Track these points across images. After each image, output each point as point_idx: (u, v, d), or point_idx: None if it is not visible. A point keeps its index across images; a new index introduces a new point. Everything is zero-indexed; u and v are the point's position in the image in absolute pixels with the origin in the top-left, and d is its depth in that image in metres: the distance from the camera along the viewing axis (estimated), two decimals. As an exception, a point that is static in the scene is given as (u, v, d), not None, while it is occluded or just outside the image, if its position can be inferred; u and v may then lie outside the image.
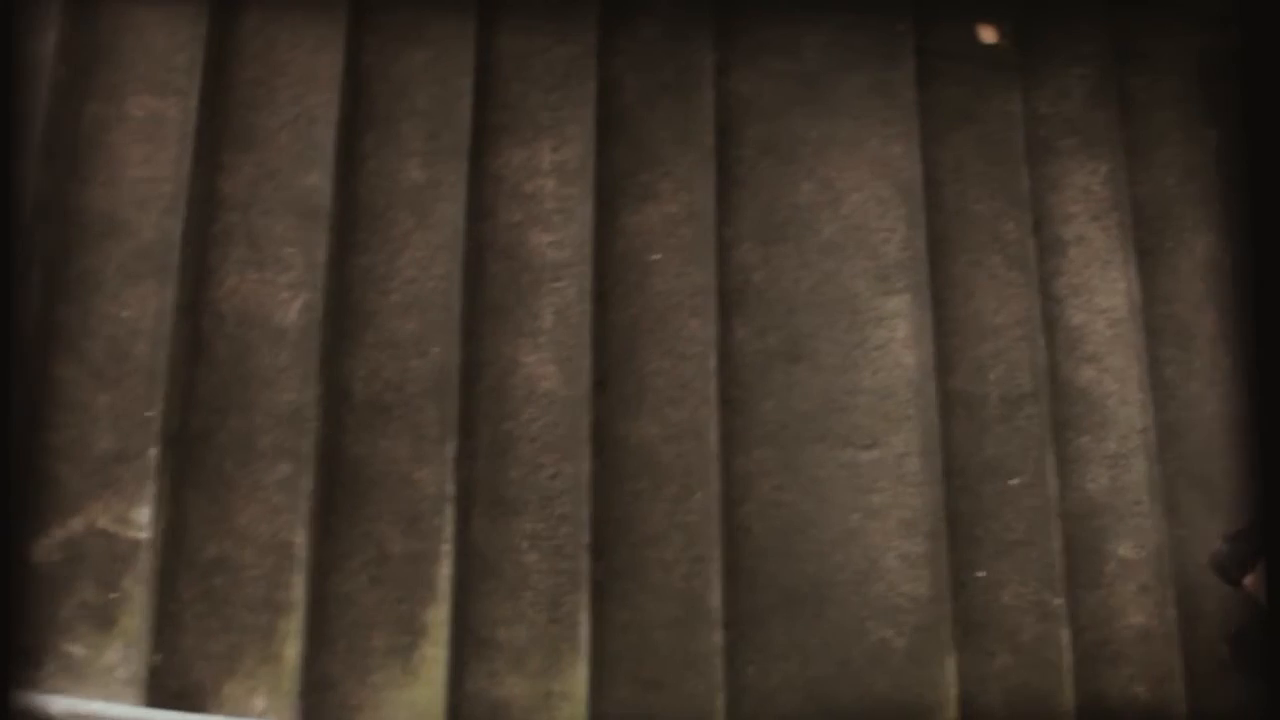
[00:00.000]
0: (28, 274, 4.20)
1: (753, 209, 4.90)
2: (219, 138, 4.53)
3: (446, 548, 4.39)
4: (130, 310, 4.32)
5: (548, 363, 4.58)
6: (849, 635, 4.61)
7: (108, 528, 4.21)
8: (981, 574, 4.71)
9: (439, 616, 4.35)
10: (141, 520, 4.21)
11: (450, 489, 4.43)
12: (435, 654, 4.33)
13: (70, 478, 4.23)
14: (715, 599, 4.56)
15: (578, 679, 4.41)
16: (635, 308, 4.74)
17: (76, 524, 4.21)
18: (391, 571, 4.38)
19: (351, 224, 4.58)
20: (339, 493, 4.40)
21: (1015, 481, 4.78)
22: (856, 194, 4.91)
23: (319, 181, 4.52)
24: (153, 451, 4.25)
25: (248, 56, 4.62)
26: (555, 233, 4.70)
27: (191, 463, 4.33)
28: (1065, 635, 4.63)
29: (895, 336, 4.81)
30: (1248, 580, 3.84)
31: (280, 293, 4.44)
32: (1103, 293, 5.03)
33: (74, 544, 4.20)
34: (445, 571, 4.38)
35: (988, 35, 5.14)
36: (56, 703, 3.94)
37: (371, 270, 4.57)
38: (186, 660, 4.21)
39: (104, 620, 4.17)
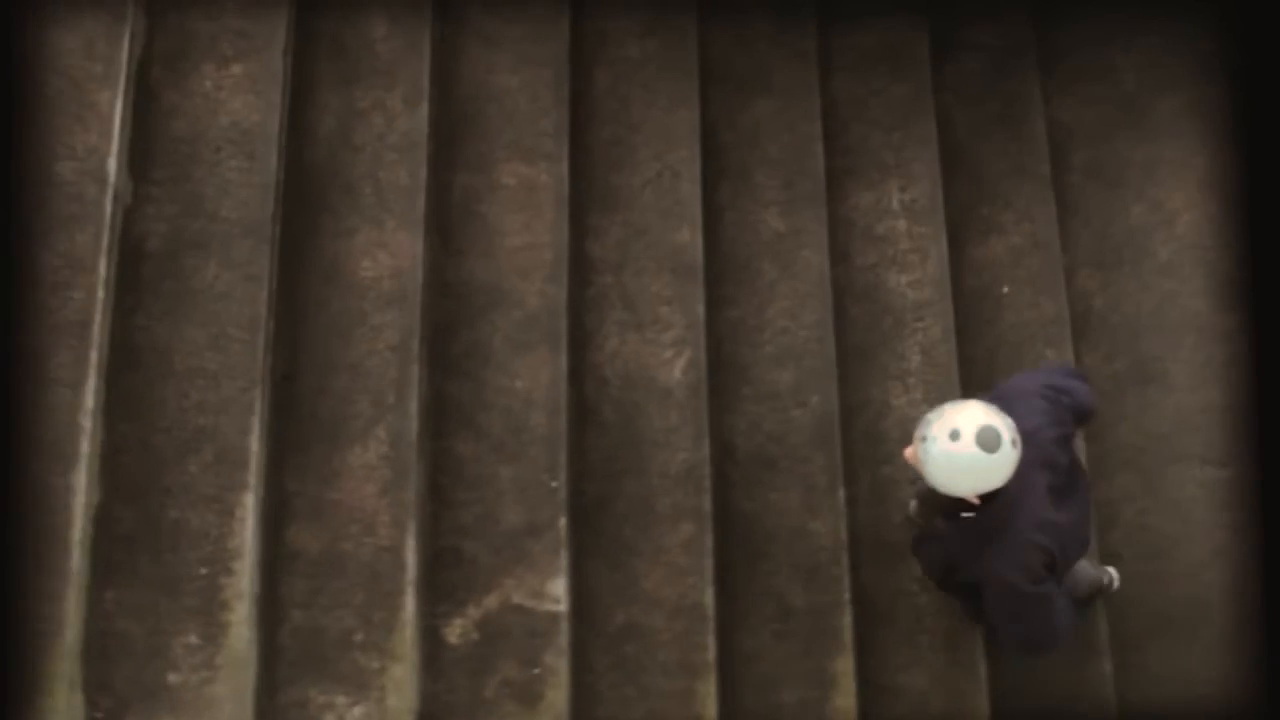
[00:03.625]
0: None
1: (1087, 235, 4.49)
2: (584, 200, 4.10)
3: (847, 597, 3.99)
4: (523, 380, 3.90)
5: (919, 403, 4.17)
6: (1224, 654, 4.21)
7: (524, 603, 3.80)
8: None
9: (846, 667, 3.96)
10: (556, 592, 3.79)
11: (844, 537, 4.02)
12: (845, 705, 3.94)
13: (481, 555, 3.81)
14: (1098, 627, 4.17)
15: (980, 718, 4.02)
16: (990, 341, 4.34)
17: (492, 601, 3.80)
18: (796, 625, 3.98)
19: (717, 277, 4.15)
20: (736, 550, 4.00)
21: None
22: (1188, 213, 4.50)
23: (688, 237, 4.09)
24: (561, 522, 3.83)
25: (604, 117, 4.18)
26: (912, 273, 4.29)
27: (591, 530, 3.92)
28: None
29: (1241, 352, 4.40)
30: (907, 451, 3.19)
31: (663, 351, 4.02)
32: None
33: (491, 622, 3.79)
34: (847, 621, 3.98)
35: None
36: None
37: (742, 323, 4.15)
38: (604, 730, 3.81)
39: (529, 697, 3.76)
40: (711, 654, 3.86)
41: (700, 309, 4.04)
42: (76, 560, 3.50)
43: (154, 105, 3.86)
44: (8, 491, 3.48)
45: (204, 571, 3.61)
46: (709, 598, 3.89)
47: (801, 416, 4.08)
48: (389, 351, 3.82)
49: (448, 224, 3.97)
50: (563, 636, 3.78)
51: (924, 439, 3.08)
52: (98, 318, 3.61)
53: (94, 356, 3.58)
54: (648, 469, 3.96)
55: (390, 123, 3.93)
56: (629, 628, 3.87)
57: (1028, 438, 3.14)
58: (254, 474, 3.65)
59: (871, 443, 4.16)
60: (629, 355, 4.01)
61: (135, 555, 3.61)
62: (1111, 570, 4.16)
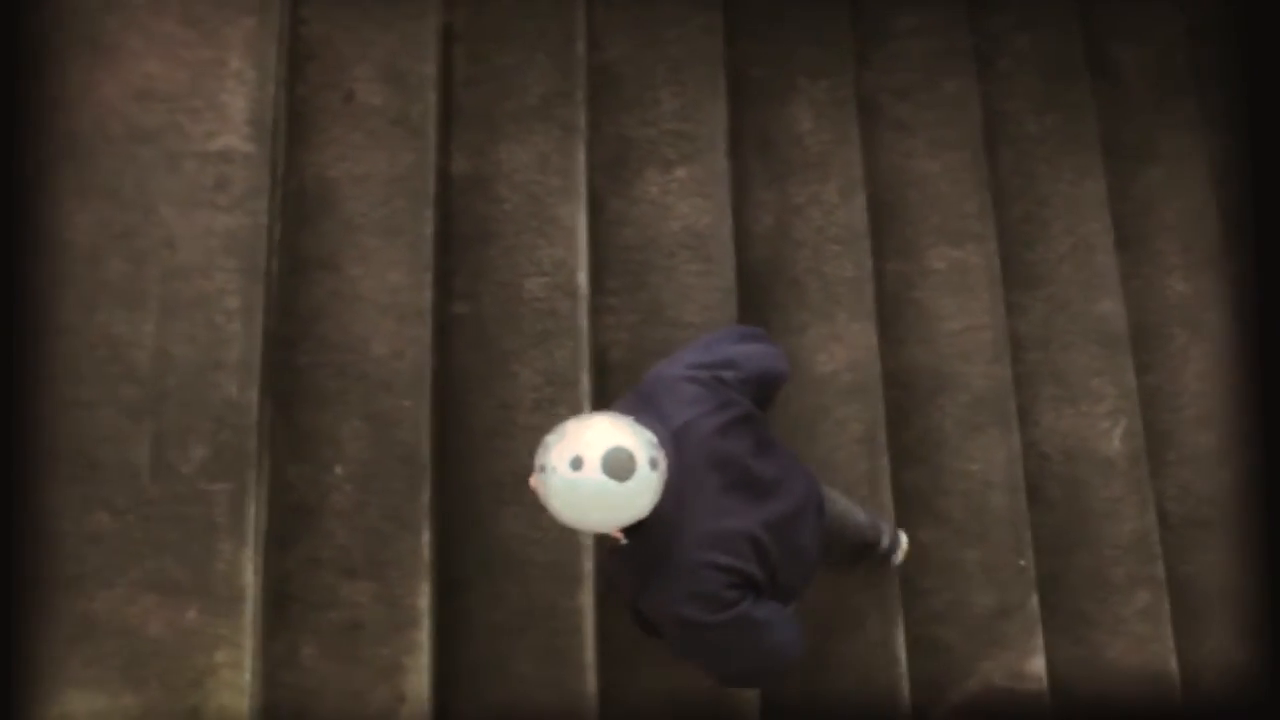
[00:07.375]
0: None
1: None
2: (1006, 278, 3.86)
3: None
4: (978, 463, 3.66)
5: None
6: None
7: (1004, 684, 3.56)
8: None
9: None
10: (1037, 671, 3.57)
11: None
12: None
13: (957, 641, 3.58)
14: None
15: None
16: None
17: (973, 686, 3.56)
18: (1249, 683, 3.77)
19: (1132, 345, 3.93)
20: (1176, 613, 3.78)
21: None
22: None
23: (1110, 307, 3.87)
24: (1033, 600, 3.60)
25: (1013, 194, 3.95)
26: None
27: (1047, 607, 3.68)
28: None
29: None
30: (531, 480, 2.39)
31: (1099, 423, 3.79)
32: None
33: (976, 707, 3.56)
34: None
35: None
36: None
37: (1159, 389, 3.94)
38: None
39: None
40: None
41: (1130, 377, 3.81)
42: (590, 683, 3.24)
43: (600, 214, 3.59)
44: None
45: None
46: (1173, 665, 3.67)
47: (1229, 477, 3.86)
48: (855, 445, 3.57)
49: (884, 312, 3.72)
50: (1047, 715, 3.55)
51: (543, 468, 2.32)
52: (585, 433, 3.33)
53: (586, 473, 3.31)
54: (1097, 541, 3.74)
55: (828, 215, 3.68)
56: (1099, 700, 3.65)
57: (679, 437, 2.43)
58: (750, 578, 3.39)
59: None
60: (1066, 430, 3.79)
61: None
62: (900, 534, 3.29)
